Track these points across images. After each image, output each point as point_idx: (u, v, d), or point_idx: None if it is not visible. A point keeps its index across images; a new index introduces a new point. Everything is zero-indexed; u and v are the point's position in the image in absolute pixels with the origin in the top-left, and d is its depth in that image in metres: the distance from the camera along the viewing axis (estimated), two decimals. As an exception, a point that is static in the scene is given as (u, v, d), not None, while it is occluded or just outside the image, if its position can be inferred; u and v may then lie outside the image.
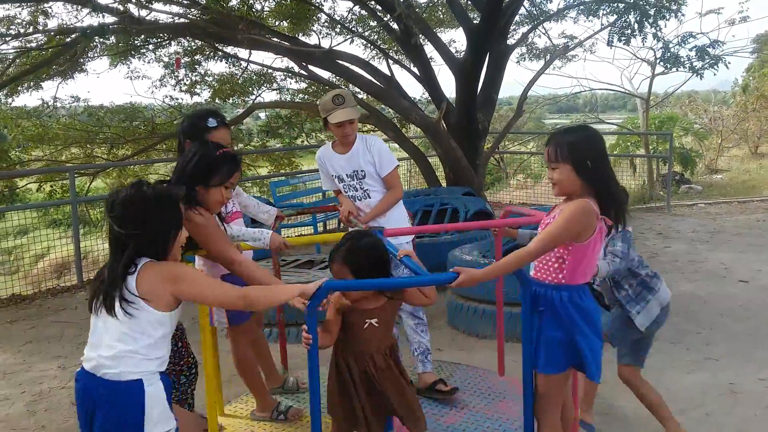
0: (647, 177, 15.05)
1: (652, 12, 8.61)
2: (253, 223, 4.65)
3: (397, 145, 9.31)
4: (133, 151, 11.80)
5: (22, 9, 8.81)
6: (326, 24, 11.46)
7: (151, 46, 10.49)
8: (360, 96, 10.28)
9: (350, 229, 3.65)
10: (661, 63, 10.39)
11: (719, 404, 4.06)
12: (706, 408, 4.00)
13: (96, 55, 10.21)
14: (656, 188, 13.90)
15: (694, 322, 5.54)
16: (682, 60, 9.16)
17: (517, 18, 10.64)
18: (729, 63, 9.49)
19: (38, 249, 9.44)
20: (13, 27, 8.86)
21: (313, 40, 11.81)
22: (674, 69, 9.76)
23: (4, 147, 10.98)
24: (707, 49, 9.11)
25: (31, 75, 9.52)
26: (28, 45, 9.34)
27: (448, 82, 12.79)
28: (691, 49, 9.21)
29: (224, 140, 3.39)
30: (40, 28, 8.93)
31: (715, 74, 9.89)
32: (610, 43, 9.25)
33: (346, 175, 3.94)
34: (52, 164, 11.51)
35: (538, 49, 12.26)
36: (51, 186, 11.39)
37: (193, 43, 10.37)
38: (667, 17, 8.77)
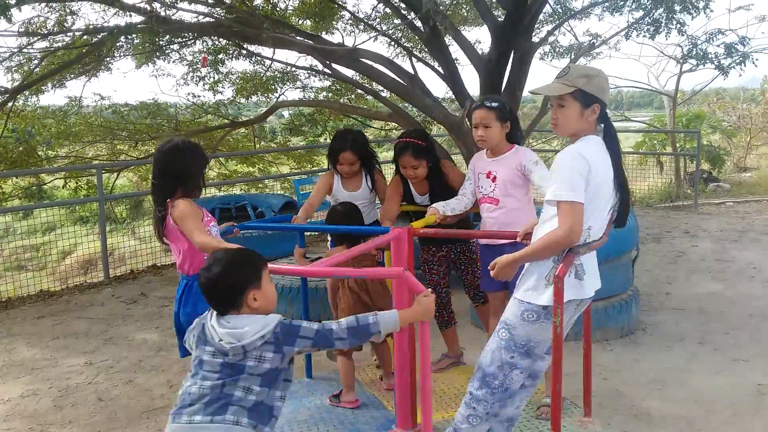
0: (674, 175, 14.86)
1: (678, 8, 8.48)
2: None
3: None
4: (156, 147, 11.88)
5: (51, 12, 8.91)
6: (350, 22, 11.46)
7: (176, 46, 10.56)
8: (383, 94, 10.26)
9: None
10: (688, 59, 10.23)
11: (747, 405, 3.99)
12: (734, 409, 3.94)
13: (122, 54, 10.30)
14: (683, 186, 13.71)
15: (722, 323, 5.46)
16: (710, 56, 9.02)
17: (541, 16, 10.54)
18: (757, 60, 9.32)
19: (65, 245, 9.57)
20: (41, 29, 8.96)
21: (336, 38, 11.85)
22: (702, 65, 9.61)
23: (32, 144, 11.13)
24: (735, 45, 8.95)
25: (56, 75, 9.62)
26: (55, 45, 9.44)
27: (472, 80, 12.73)
28: (718, 46, 9.06)
29: (479, 117, 3.69)
30: (68, 27, 9.02)
31: (740, 75, 9.75)
32: (627, 36, 9.17)
33: None
34: (78, 161, 11.65)
35: (563, 47, 12.14)
36: (76, 182, 11.53)
37: (217, 42, 10.43)
38: (693, 14, 8.63)
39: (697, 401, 4.06)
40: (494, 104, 3.68)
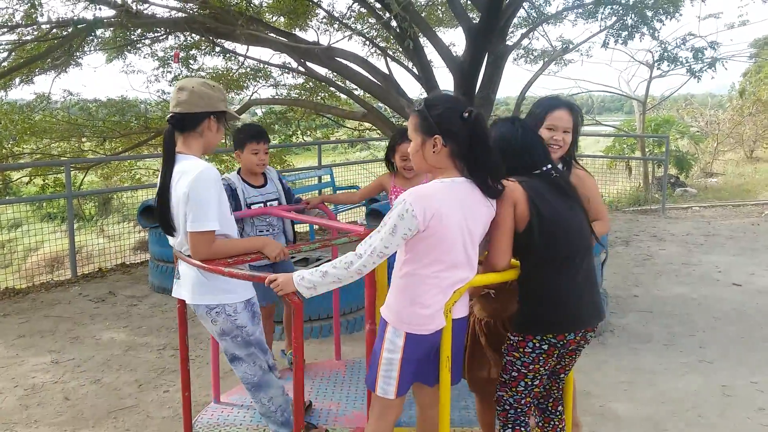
0: (643, 179, 15.07)
1: (650, 14, 8.62)
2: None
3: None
4: (124, 145, 11.72)
5: (20, 4, 8.74)
6: (324, 20, 11.43)
7: (147, 41, 10.44)
8: (357, 93, 10.25)
9: None
10: (659, 64, 10.40)
11: (712, 407, 4.07)
12: (699, 410, 4.01)
13: (92, 49, 10.15)
14: (651, 191, 13.91)
15: (687, 325, 5.56)
16: (681, 60, 9.17)
17: (515, 20, 10.63)
18: (725, 63, 9.48)
19: (31, 243, 9.39)
20: (8, 22, 8.78)
21: (310, 35, 11.83)
22: (672, 67, 9.76)
23: (-2, 140, 10.90)
24: (704, 50, 9.12)
25: (24, 69, 9.44)
26: (24, 39, 9.26)
27: (446, 82, 12.79)
28: (688, 50, 9.22)
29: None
30: (37, 18, 8.85)
31: (713, 77, 9.98)
32: (605, 45, 9.26)
33: None
34: (45, 158, 11.44)
35: (536, 51, 12.26)
36: (44, 179, 11.30)
37: (190, 38, 10.33)
38: (664, 21, 8.78)
39: (664, 402, 4.12)
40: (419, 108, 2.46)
